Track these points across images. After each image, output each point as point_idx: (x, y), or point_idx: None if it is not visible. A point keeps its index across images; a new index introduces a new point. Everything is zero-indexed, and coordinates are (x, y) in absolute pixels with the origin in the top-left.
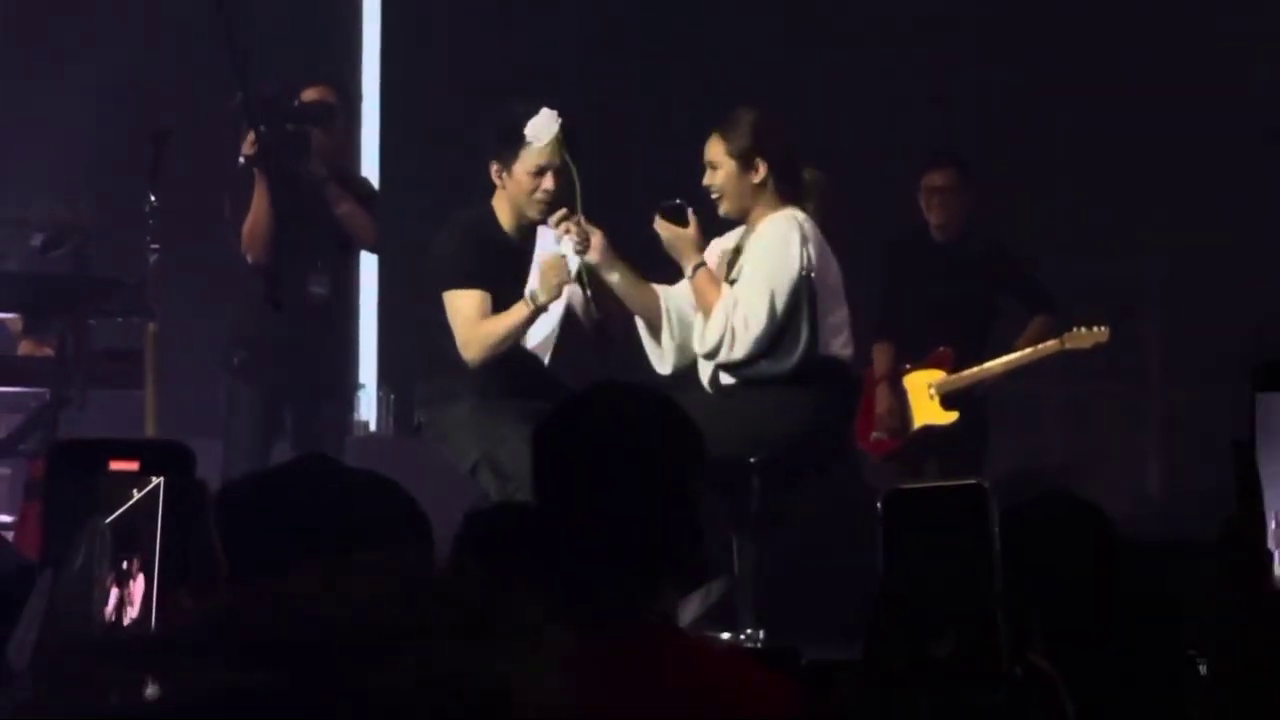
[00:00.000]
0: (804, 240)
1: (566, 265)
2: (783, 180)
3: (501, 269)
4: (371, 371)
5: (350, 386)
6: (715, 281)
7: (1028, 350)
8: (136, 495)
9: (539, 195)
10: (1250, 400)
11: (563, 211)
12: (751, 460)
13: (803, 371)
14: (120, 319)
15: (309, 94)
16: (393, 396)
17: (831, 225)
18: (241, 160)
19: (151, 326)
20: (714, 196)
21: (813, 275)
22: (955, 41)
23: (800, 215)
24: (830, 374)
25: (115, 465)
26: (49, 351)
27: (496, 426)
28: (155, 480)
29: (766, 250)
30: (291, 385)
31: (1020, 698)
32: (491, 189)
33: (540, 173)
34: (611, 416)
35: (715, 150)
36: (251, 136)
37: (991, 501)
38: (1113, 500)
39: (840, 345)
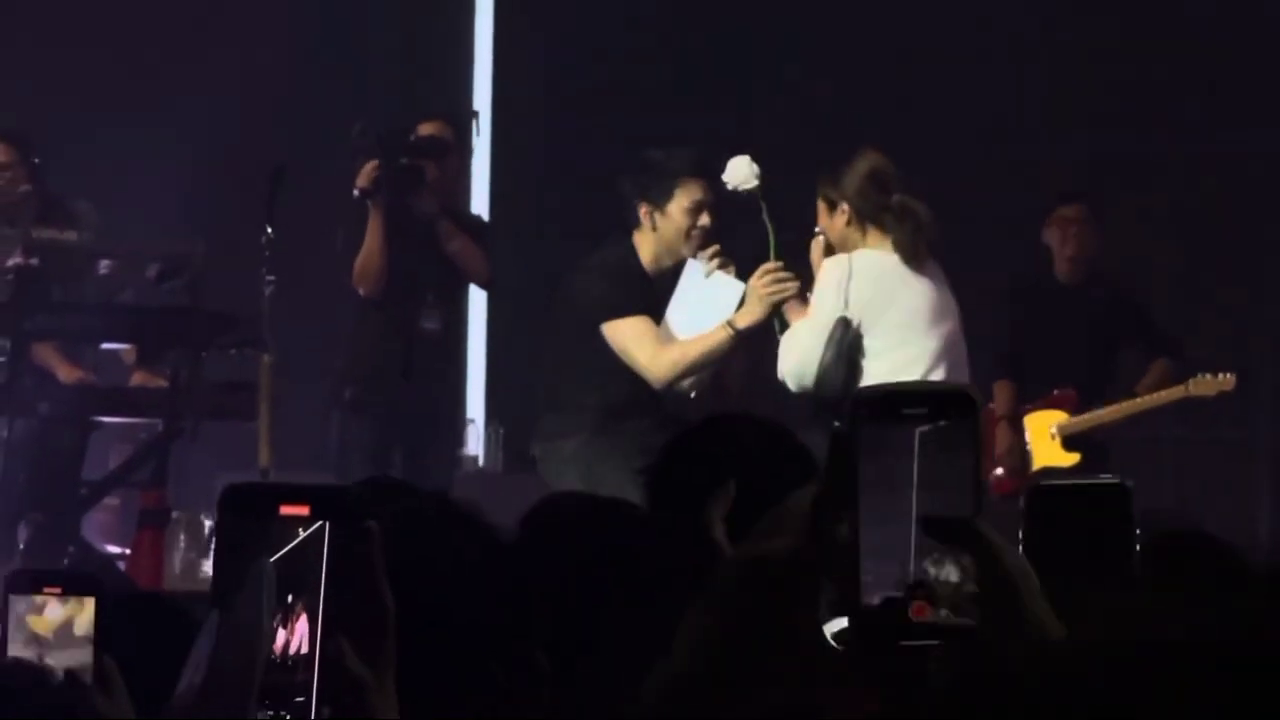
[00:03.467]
0: (843, 282)
1: (780, 294)
2: (860, 219)
3: (645, 304)
4: (480, 406)
5: (460, 421)
6: (801, 313)
7: (1152, 395)
8: (302, 537)
9: (696, 232)
10: None
11: (716, 247)
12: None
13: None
14: (234, 351)
15: (425, 129)
16: (501, 431)
17: (936, 254)
18: (356, 193)
19: (266, 359)
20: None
21: (857, 320)
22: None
23: (858, 258)
24: None
25: (285, 510)
26: (162, 383)
27: (605, 462)
28: (322, 524)
29: (815, 293)
30: (403, 419)
31: None
32: (601, 225)
33: (698, 209)
34: (727, 443)
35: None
36: (368, 169)
37: (1131, 500)
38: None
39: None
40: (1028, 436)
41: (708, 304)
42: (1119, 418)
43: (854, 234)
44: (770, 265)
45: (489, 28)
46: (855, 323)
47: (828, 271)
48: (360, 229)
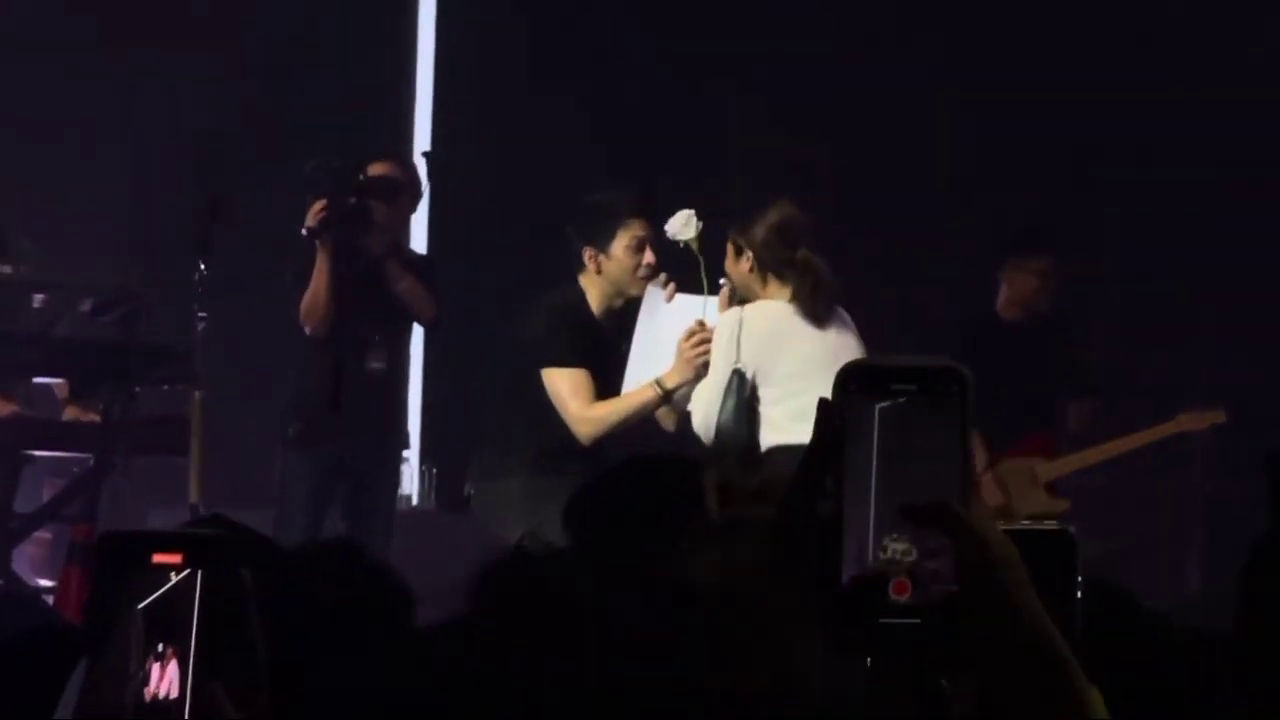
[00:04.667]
0: (735, 334)
1: (705, 357)
2: (762, 268)
3: (593, 350)
4: (414, 445)
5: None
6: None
7: (1144, 433)
8: (171, 585)
9: (642, 271)
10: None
11: (664, 275)
12: None
13: (762, 460)
14: (167, 386)
15: (375, 168)
16: (435, 471)
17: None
18: (304, 231)
19: (198, 394)
20: None
21: (750, 371)
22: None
23: (750, 310)
24: (789, 462)
25: (159, 558)
26: (95, 417)
27: (545, 504)
28: (192, 572)
29: (712, 348)
30: (346, 458)
31: None
32: (542, 265)
33: (641, 247)
34: (641, 487)
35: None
36: (317, 208)
37: (1077, 548)
38: (1152, 591)
39: (809, 429)
40: (1010, 487)
41: (678, 327)
42: (1106, 458)
43: (755, 282)
44: (695, 328)
45: (430, 69)
46: (750, 373)
47: (722, 325)
48: (308, 266)
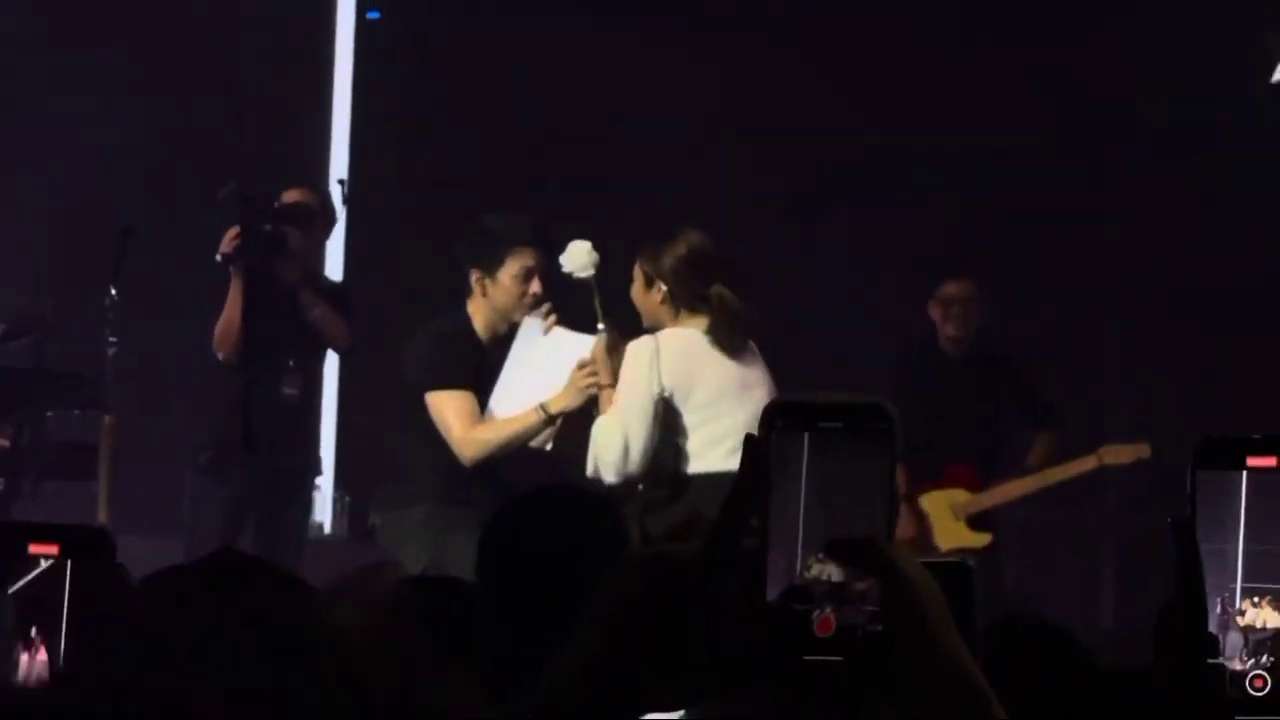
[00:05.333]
0: (653, 361)
1: (609, 367)
2: (674, 301)
3: (477, 372)
4: (328, 474)
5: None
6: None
7: (1063, 467)
8: (41, 569)
9: (528, 300)
10: (1191, 478)
11: (549, 305)
12: None
13: (679, 488)
14: (78, 411)
15: (290, 195)
16: (347, 499)
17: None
18: (218, 258)
19: (107, 420)
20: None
21: (669, 394)
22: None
23: (664, 336)
24: (706, 488)
25: (35, 548)
26: (4, 443)
27: (448, 534)
28: (63, 562)
29: (622, 374)
30: (257, 486)
31: None
32: (454, 294)
33: (528, 276)
34: (548, 522)
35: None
36: (231, 234)
37: (975, 580)
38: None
39: (725, 453)
40: (930, 519)
41: (551, 361)
42: (1026, 492)
43: (666, 314)
44: (588, 359)
45: (346, 96)
46: (670, 399)
47: (635, 354)
48: (222, 293)
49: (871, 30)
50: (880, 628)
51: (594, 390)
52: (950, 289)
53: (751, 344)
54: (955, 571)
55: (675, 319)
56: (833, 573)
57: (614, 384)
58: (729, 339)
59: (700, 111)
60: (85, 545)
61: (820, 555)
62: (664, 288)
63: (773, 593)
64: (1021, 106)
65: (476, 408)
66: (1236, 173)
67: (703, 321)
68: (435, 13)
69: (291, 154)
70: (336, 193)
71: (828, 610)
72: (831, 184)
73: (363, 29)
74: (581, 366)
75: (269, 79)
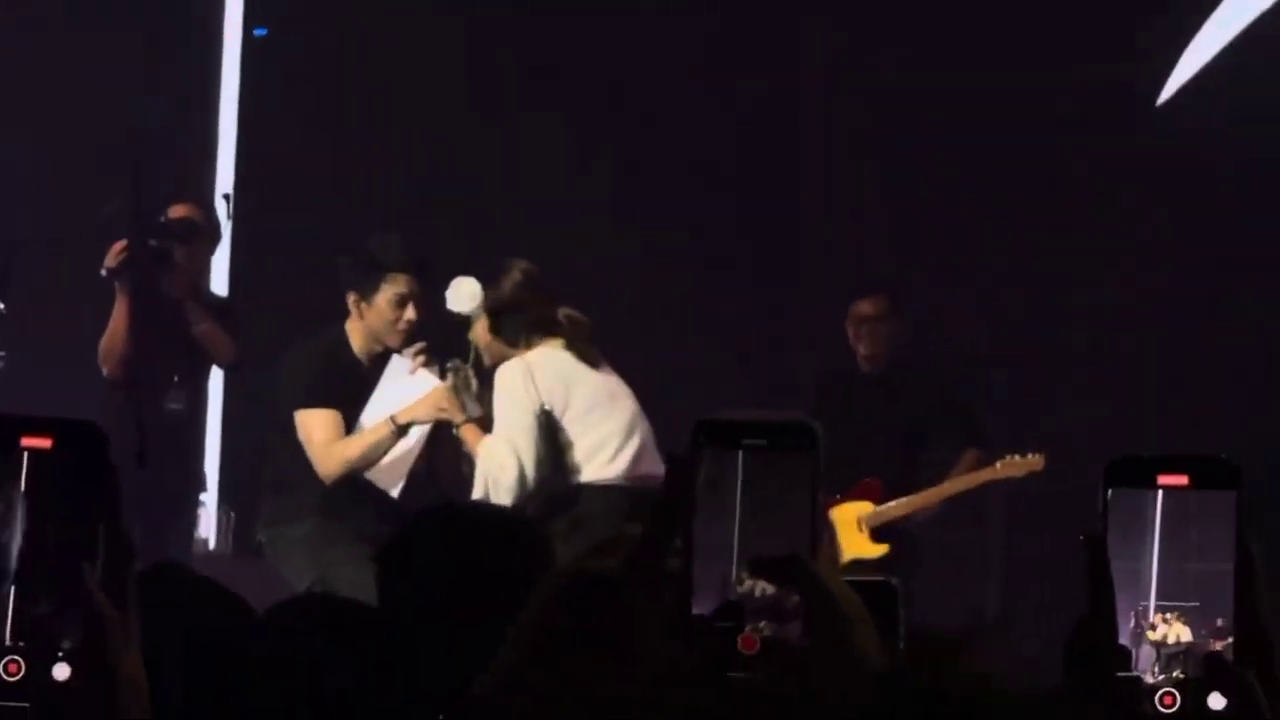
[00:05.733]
0: (529, 379)
1: (459, 404)
2: (521, 327)
3: (351, 393)
4: (213, 489)
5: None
6: (478, 433)
7: (959, 479)
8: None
9: (402, 326)
10: (1103, 496)
11: (422, 344)
12: None
13: (566, 500)
14: None
15: (176, 210)
16: (233, 515)
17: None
18: (103, 272)
19: None
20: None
21: (549, 408)
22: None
23: (532, 355)
24: (595, 496)
25: (27, 441)
26: None
27: (333, 549)
28: (63, 453)
29: (499, 398)
30: (141, 500)
31: None
32: (338, 312)
33: (403, 303)
34: (446, 537)
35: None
36: (116, 249)
37: (899, 597)
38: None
39: (603, 462)
40: (836, 529)
41: (406, 401)
42: (926, 504)
43: (507, 348)
44: (448, 387)
45: (233, 110)
46: (550, 413)
47: (509, 375)
48: (107, 308)
49: (791, 37)
50: (806, 643)
51: (443, 416)
52: (862, 308)
53: (603, 359)
54: (880, 589)
55: (529, 345)
56: (764, 588)
57: (468, 420)
58: (588, 353)
59: (590, 120)
60: (79, 438)
61: (748, 572)
62: (507, 322)
63: (703, 609)
64: (957, 120)
65: (341, 428)
66: (1139, 193)
67: (559, 341)
68: (322, 29)
69: (178, 169)
70: (222, 208)
71: (753, 627)
72: (763, 196)
73: (249, 45)
74: (444, 390)
75: (155, 94)
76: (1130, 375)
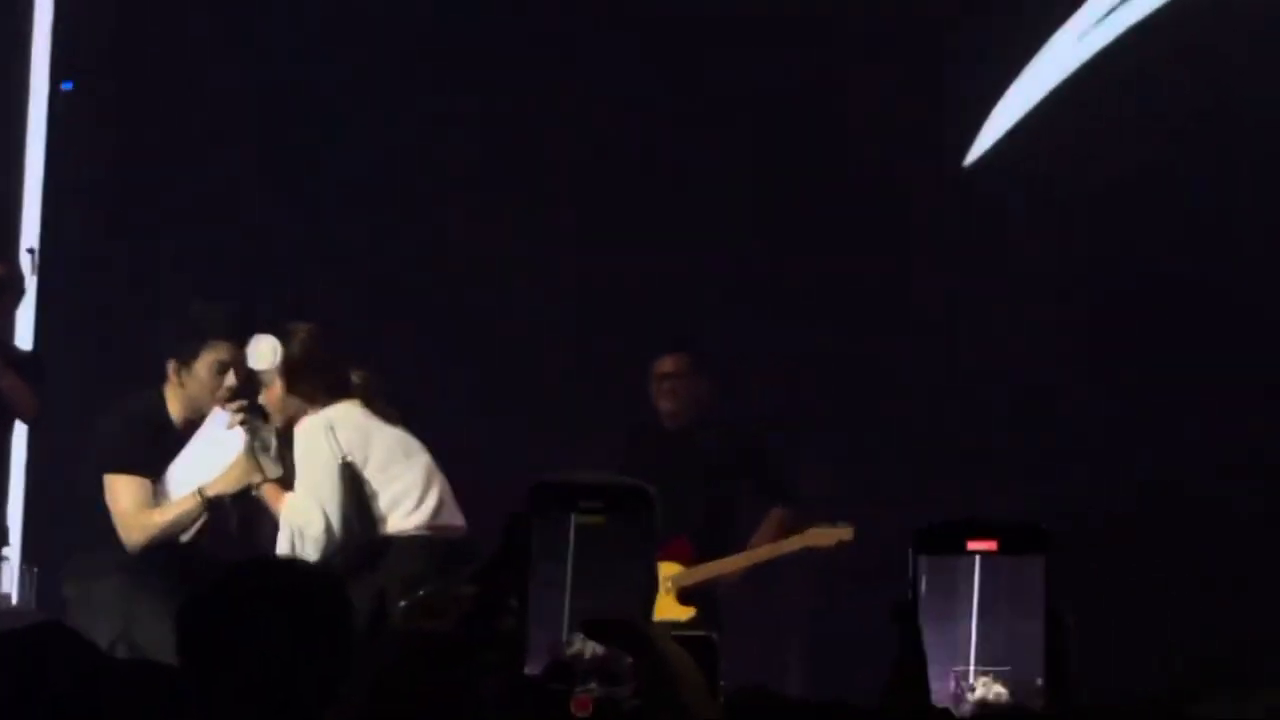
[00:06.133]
0: (329, 434)
1: (259, 469)
2: (316, 386)
3: (165, 457)
4: (15, 543)
5: None
6: (279, 492)
7: (771, 546)
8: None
9: (222, 393)
10: (913, 563)
11: (243, 402)
12: None
13: (373, 552)
14: None
15: None
16: (36, 570)
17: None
18: None
19: None
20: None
21: (351, 461)
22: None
23: (330, 411)
24: (401, 550)
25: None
26: None
27: (136, 605)
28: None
29: (301, 454)
30: None
31: None
32: (146, 368)
33: (224, 369)
34: (249, 594)
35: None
36: None
37: (718, 652)
38: None
39: (404, 514)
40: None
41: (219, 455)
42: (737, 569)
43: (314, 403)
44: (245, 450)
45: (39, 164)
46: (352, 465)
47: (311, 432)
48: None
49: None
50: (639, 703)
51: (245, 483)
52: (663, 365)
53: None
54: (699, 644)
55: (325, 404)
56: (595, 649)
57: (266, 480)
58: (384, 410)
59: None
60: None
61: (581, 634)
62: (302, 381)
63: (535, 670)
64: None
65: (150, 496)
66: (949, 253)
67: (355, 399)
68: (128, 85)
69: None
70: (26, 262)
71: (586, 688)
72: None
73: (55, 99)
74: (244, 458)
75: None
76: (943, 441)
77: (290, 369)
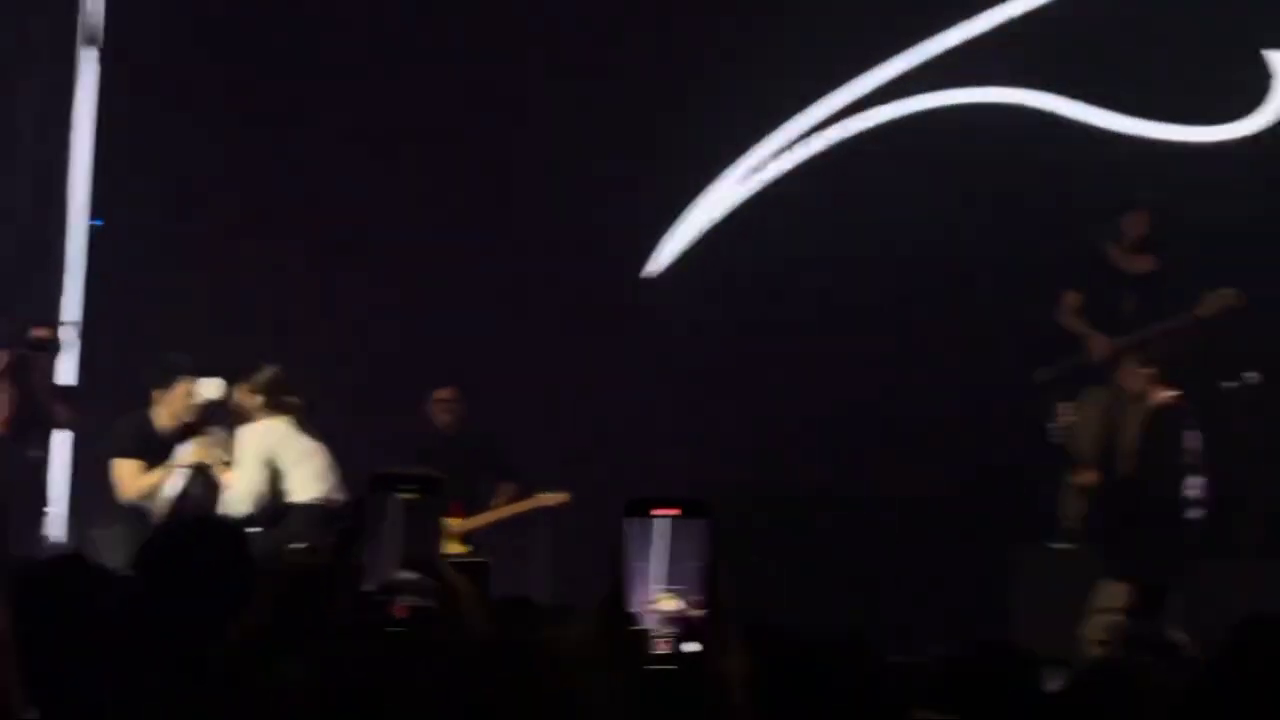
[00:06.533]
0: (262, 439)
1: (217, 455)
2: (268, 408)
3: (150, 450)
4: (62, 504)
5: None
6: (228, 472)
7: (511, 505)
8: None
9: (190, 410)
10: (623, 522)
11: (207, 431)
12: None
13: (283, 515)
14: None
15: (37, 331)
16: (76, 521)
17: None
18: None
19: None
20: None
21: (272, 457)
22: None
23: (264, 423)
24: (298, 514)
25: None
26: None
27: (133, 543)
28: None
29: (241, 449)
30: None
31: None
32: (142, 398)
33: (190, 395)
34: (194, 537)
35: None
36: (4, 355)
37: (489, 572)
38: None
39: (304, 491)
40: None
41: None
42: (489, 522)
43: (262, 413)
44: (207, 443)
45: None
46: (274, 460)
47: (249, 437)
48: None
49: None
50: (436, 608)
51: (205, 459)
52: (439, 394)
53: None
54: (476, 568)
55: (269, 417)
56: (410, 575)
57: (222, 464)
58: (302, 424)
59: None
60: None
61: (401, 570)
62: (259, 400)
63: (372, 587)
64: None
65: (140, 471)
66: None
67: (287, 417)
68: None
69: (34, 308)
70: (70, 331)
71: (402, 600)
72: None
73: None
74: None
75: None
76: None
77: (255, 392)
